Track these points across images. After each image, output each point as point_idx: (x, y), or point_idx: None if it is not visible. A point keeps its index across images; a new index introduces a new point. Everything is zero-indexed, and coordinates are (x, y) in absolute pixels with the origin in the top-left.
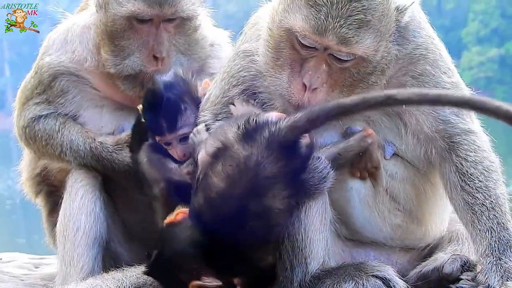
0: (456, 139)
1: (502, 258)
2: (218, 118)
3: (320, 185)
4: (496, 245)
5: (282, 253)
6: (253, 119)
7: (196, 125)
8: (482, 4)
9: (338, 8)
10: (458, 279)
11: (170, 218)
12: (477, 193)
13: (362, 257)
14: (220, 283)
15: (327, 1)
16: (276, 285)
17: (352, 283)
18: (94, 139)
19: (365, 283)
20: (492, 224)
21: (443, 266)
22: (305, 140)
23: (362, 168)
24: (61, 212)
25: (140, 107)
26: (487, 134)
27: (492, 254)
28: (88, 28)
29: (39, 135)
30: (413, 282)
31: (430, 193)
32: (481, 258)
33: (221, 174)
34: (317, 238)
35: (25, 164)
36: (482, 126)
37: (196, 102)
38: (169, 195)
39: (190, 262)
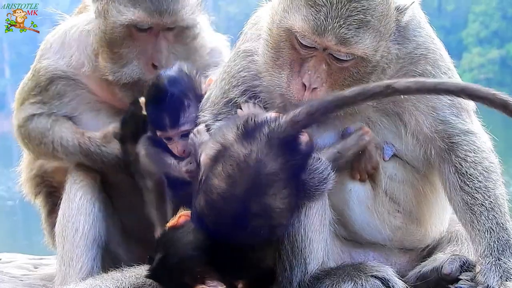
0: (455, 139)
1: (501, 258)
2: (218, 118)
3: (320, 186)
4: (495, 245)
5: (282, 254)
6: (251, 119)
7: (196, 125)
8: (482, 6)
9: (338, 9)
10: (457, 279)
11: (172, 222)
12: (476, 193)
13: (361, 258)
14: (224, 287)
15: (327, 1)
16: (275, 285)
17: (351, 283)
18: (83, 134)
19: (364, 283)
20: (491, 224)
21: (442, 266)
22: (304, 137)
23: (362, 169)
24: (59, 213)
25: (142, 100)
26: (488, 133)
27: (491, 254)
28: (86, 33)
29: (33, 135)
30: (412, 282)
31: (430, 194)
32: (480, 258)
33: (221, 174)
34: (316, 239)
35: (24, 165)
36: (482, 125)
37: (199, 99)
38: (163, 188)
39: (193, 266)
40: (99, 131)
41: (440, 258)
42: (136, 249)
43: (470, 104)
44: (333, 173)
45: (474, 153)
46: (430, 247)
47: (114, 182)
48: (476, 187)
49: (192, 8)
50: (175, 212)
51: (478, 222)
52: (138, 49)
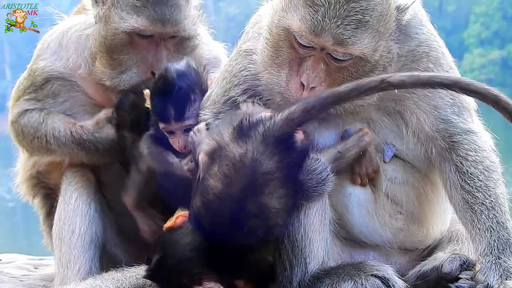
0: (456, 138)
1: (501, 257)
2: (219, 117)
3: (318, 188)
4: (495, 244)
5: (282, 253)
6: (247, 118)
7: (197, 123)
8: (483, 6)
9: (336, 9)
10: (457, 278)
11: (170, 223)
12: (477, 192)
13: (361, 257)
14: (222, 287)
15: (325, 1)
16: (275, 285)
17: (351, 282)
18: (75, 124)
19: (364, 283)
20: (492, 223)
21: (442, 265)
22: (299, 135)
23: (363, 173)
24: (56, 215)
25: (147, 92)
26: (489, 132)
27: (491, 253)
28: (85, 36)
29: (26, 130)
30: (413, 281)
31: (431, 194)
32: (480, 257)
33: (217, 175)
34: (316, 239)
35: (20, 165)
36: (483, 125)
37: (204, 95)
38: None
39: (191, 267)
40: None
41: (440, 257)
42: (133, 249)
43: (471, 103)
44: (332, 175)
45: (475, 152)
46: (431, 247)
47: (109, 183)
48: (477, 186)
49: (193, 19)
50: (172, 213)
51: (478, 221)
52: (138, 57)
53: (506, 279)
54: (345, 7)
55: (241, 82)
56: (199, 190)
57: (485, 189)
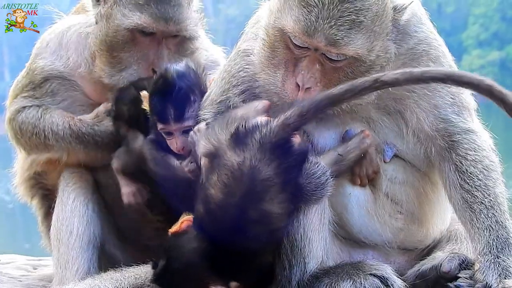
0: (456, 138)
1: (500, 256)
2: (219, 117)
3: (317, 192)
4: (494, 243)
5: (281, 253)
6: (242, 125)
7: (197, 123)
8: (482, 8)
9: (330, 9)
10: (456, 277)
11: (175, 227)
12: (476, 191)
13: (360, 257)
14: None
15: (319, 2)
16: (274, 284)
17: (350, 281)
18: (73, 118)
19: (363, 282)
20: (491, 222)
21: (441, 264)
22: (296, 139)
23: (363, 174)
24: (54, 216)
25: (144, 93)
26: (489, 132)
27: (490, 252)
28: (85, 35)
29: (24, 127)
30: (411, 280)
31: (431, 193)
32: (479, 256)
33: (217, 184)
34: (316, 238)
35: (18, 166)
36: (482, 124)
37: (203, 97)
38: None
39: (197, 272)
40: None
41: (439, 257)
42: (132, 250)
43: (471, 103)
44: (331, 180)
45: (474, 151)
46: (430, 246)
47: (107, 184)
48: (476, 185)
49: (195, 20)
50: (177, 218)
51: (477, 220)
52: (139, 54)
53: (505, 278)
54: (338, 7)
55: (239, 83)
56: (201, 198)
57: (484, 188)
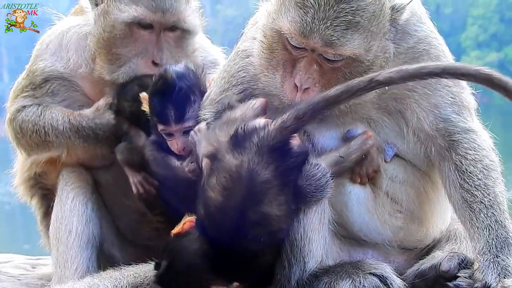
0: (456, 137)
1: (500, 255)
2: (218, 117)
3: (317, 193)
4: (493, 243)
5: (281, 252)
6: (241, 128)
7: (197, 123)
8: (481, 9)
9: (325, 10)
10: (455, 277)
11: (177, 228)
12: (476, 191)
13: (360, 256)
14: None
15: (315, 3)
16: (273, 283)
17: (349, 281)
18: (73, 112)
19: (362, 281)
20: (490, 222)
21: (440, 264)
22: (295, 141)
23: (363, 173)
24: (53, 216)
25: (144, 95)
26: (488, 132)
27: (489, 251)
28: (85, 37)
29: (24, 126)
30: (411, 280)
31: (431, 193)
32: (478, 256)
33: (216, 187)
34: (315, 238)
35: (18, 167)
36: (482, 125)
37: (203, 97)
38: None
39: (199, 272)
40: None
41: (438, 256)
42: (131, 249)
43: (471, 102)
44: (331, 182)
45: (474, 151)
46: (429, 246)
47: (106, 183)
48: (476, 185)
49: (193, 12)
50: (177, 218)
51: (477, 220)
52: (138, 48)
53: (504, 277)
54: (334, 8)
55: (238, 83)
56: (202, 200)
57: (484, 188)
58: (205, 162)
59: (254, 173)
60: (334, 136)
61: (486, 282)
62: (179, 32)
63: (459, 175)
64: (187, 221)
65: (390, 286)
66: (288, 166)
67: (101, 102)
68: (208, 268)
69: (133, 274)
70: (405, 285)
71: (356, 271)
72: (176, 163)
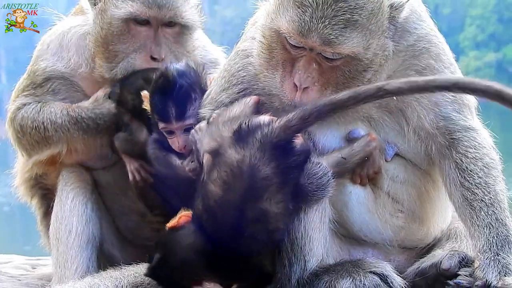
0: (456, 135)
1: (500, 253)
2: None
3: (318, 192)
4: (494, 241)
5: (281, 251)
6: (245, 123)
7: (198, 121)
8: (479, 9)
9: (324, 9)
10: (456, 275)
11: (173, 222)
12: (476, 189)
13: (360, 255)
14: None
15: (313, 2)
16: (273, 282)
17: (349, 279)
18: (71, 105)
19: (362, 279)
20: (491, 220)
21: (441, 262)
22: (298, 140)
23: (363, 174)
24: (53, 216)
25: (145, 93)
26: (488, 132)
27: (490, 249)
28: (85, 36)
29: (24, 123)
30: (411, 278)
31: (432, 192)
32: (479, 254)
33: (217, 181)
34: (316, 237)
35: (18, 168)
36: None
37: (204, 96)
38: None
39: (192, 267)
40: None
41: (439, 254)
42: (131, 249)
43: (472, 100)
44: (333, 181)
45: (474, 149)
46: (430, 245)
47: (106, 183)
48: (476, 183)
49: (191, 8)
50: (175, 213)
51: (477, 218)
52: (136, 45)
53: (505, 276)
54: (332, 7)
55: (239, 82)
56: (201, 194)
57: (485, 186)
58: (206, 158)
59: (255, 168)
60: (335, 134)
61: (486, 280)
62: (177, 27)
63: (460, 173)
64: (183, 215)
65: (391, 284)
66: (289, 165)
67: (100, 93)
68: (201, 264)
69: (133, 274)
70: (405, 283)
71: (357, 269)
72: (177, 162)
